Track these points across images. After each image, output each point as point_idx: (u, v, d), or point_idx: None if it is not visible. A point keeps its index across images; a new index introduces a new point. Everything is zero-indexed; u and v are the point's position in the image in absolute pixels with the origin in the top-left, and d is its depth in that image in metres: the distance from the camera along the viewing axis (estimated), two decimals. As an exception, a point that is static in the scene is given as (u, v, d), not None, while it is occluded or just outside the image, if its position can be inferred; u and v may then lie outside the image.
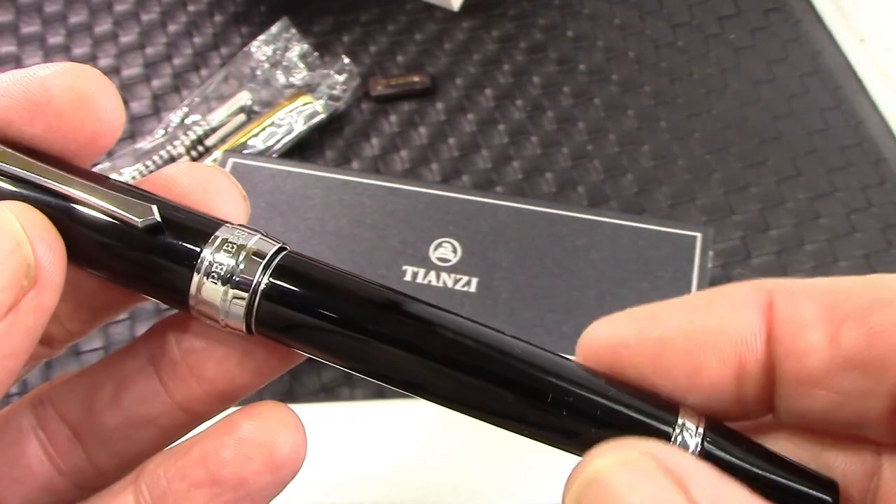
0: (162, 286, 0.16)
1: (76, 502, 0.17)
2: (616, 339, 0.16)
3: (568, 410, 0.16)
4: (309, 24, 0.54)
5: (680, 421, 0.15)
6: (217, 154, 0.48)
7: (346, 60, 0.51)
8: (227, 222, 0.16)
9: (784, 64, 0.52)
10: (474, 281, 0.40)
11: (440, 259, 0.40)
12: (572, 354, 0.39)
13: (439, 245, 0.41)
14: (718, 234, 0.47)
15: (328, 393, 0.42)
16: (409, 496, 0.38)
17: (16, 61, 0.54)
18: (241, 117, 0.50)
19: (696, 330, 0.16)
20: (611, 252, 0.40)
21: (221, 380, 0.17)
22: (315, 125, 0.50)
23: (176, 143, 0.49)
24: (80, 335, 0.18)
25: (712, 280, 0.45)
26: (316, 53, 0.52)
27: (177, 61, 0.53)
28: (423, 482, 0.38)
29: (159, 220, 0.15)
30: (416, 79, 0.51)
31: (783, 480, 0.15)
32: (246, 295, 0.15)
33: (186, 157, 0.49)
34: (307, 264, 0.16)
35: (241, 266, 0.15)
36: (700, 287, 0.39)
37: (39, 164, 0.16)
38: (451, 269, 0.40)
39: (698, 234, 0.40)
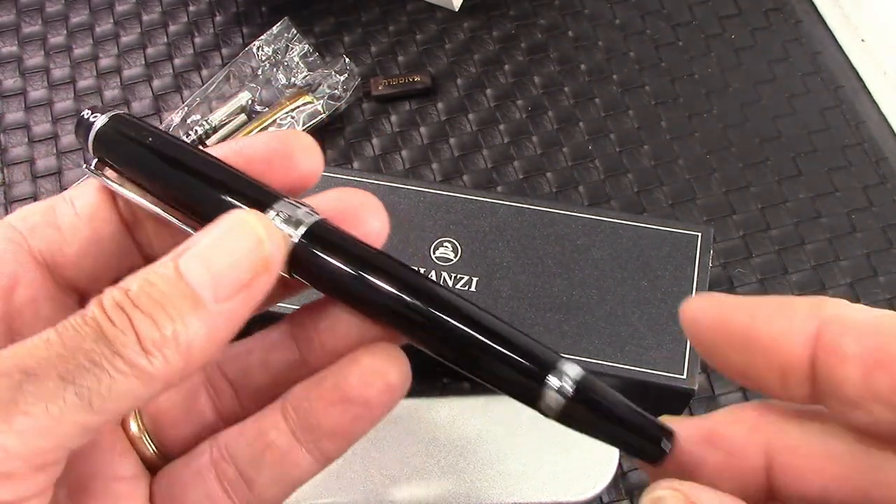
0: None
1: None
2: (699, 318, 0.19)
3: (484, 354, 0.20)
4: (310, 25, 0.54)
5: (560, 368, 0.20)
6: (218, 154, 0.48)
7: (347, 60, 0.51)
8: (286, 197, 0.22)
9: (785, 64, 0.52)
10: (474, 280, 0.40)
11: (440, 258, 0.40)
12: (572, 353, 0.39)
13: (440, 244, 0.41)
14: (719, 234, 0.47)
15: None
16: (410, 494, 0.38)
17: (17, 61, 0.54)
18: (242, 117, 0.50)
19: (753, 336, 0.18)
20: (611, 251, 0.40)
21: (343, 352, 0.22)
22: (316, 125, 0.50)
23: (177, 142, 0.49)
24: None
25: (713, 280, 0.45)
26: (317, 53, 0.52)
27: (178, 61, 0.54)
28: (424, 480, 0.38)
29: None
30: (417, 79, 0.51)
31: (631, 426, 0.19)
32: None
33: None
34: (331, 230, 0.21)
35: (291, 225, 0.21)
36: (700, 287, 0.39)
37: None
38: (452, 269, 0.40)
39: (699, 234, 0.40)
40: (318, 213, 0.21)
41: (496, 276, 0.40)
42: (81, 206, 0.23)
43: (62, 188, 0.50)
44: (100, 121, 0.23)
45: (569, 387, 0.19)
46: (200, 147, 0.23)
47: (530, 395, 0.20)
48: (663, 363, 0.38)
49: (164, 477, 0.23)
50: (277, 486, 0.22)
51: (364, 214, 0.22)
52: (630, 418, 0.19)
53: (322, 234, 0.21)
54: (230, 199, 0.21)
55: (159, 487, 0.23)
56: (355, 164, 0.50)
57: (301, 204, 0.22)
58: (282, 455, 0.22)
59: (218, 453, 0.22)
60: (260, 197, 0.21)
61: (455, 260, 0.40)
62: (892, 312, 0.17)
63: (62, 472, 0.21)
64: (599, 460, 0.38)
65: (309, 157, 0.23)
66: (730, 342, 0.19)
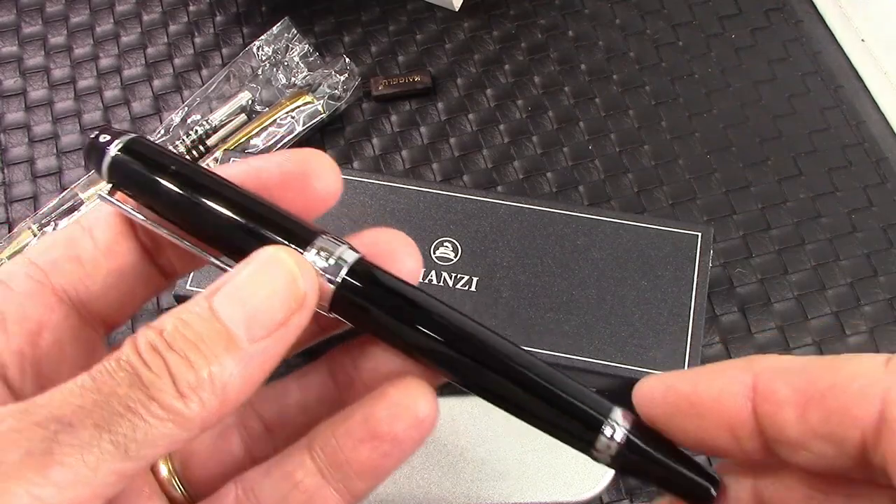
0: None
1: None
2: (650, 395, 0.21)
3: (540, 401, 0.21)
4: (310, 24, 0.54)
5: (614, 415, 0.20)
6: (218, 154, 0.48)
7: (347, 60, 0.51)
8: (324, 232, 0.21)
9: (785, 63, 0.52)
10: (475, 280, 0.40)
11: (441, 258, 0.40)
12: (572, 353, 0.39)
13: (440, 244, 0.41)
14: (719, 234, 0.47)
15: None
16: (410, 494, 0.38)
17: (17, 61, 0.54)
18: (242, 117, 0.50)
19: (698, 401, 0.20)
20: (611, 251, 0.40)
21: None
22: (316, 125, 0.50)
23: (177, 142, 0.49)
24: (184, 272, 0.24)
25: (713, 280, 0.45)
26: (317, 53, 0.52)
27: (178, 61, 0.54)
28: (424, 480, 0.38)
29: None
30: (417, 78, 0.51)
31: (681, 469, 0.20)
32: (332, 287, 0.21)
33: (187, 157, 0.49)
34: (371, 269, 0.21)
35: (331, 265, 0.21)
36: (700, 286, 0.39)
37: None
38: (452, 269, 0.40)
39: (699, 234, 0.40)
40: (356, 251, 0.21)
41: (496, 276, 0.40)
42: (100, 238, 0.23)
43: (62, 188, 0.50)
44: (114, 146, 0.22)
45: (621, 436, 0.20)
46: (223, 178, 0.22)
47: (584, 444, 0.20)
48: (663, 363, 0.38)
49: None
50: None
51: (400, 253, 0.22)
52: (679, 465, 0.20)
53: (363, 273, 0.21)
54: (265, 234, 0.21)
55: None
56: (355, 164, 0.50)
57: (339, 240, 0.21)
58: (310, 495, 0.21)
59: (243, 494, 0.22)
60: (299, 232, 0.21)
61: (455, 260, 0.40)
62: (818, 357, 0.19)
63: None
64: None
65: (326, 178, 0.22)
66: (679, 411, 0.20)
